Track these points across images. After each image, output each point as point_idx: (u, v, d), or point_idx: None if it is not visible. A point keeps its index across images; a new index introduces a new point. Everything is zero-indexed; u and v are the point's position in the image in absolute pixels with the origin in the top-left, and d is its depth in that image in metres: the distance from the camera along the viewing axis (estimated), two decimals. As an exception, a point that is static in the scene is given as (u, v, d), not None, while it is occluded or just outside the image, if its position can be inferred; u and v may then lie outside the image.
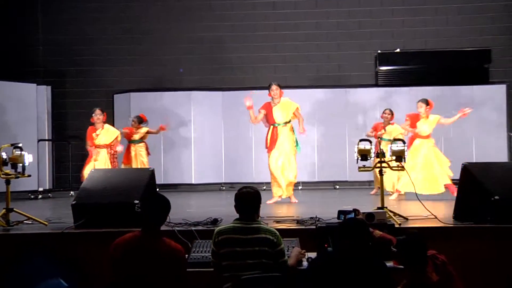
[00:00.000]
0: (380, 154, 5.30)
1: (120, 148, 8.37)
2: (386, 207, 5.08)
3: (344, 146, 10.25)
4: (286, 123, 7.34)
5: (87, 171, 7.72)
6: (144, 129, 8.86)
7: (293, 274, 3.63)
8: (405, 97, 9.89)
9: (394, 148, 5.32)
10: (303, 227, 4.75)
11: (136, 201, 4.81)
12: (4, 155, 5.25)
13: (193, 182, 10.43)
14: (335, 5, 11.06)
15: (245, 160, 10.31)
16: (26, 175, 5.38)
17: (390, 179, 7.92)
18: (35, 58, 11.09)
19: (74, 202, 5.10)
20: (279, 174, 7.27)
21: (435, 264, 3.44)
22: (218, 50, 11.12)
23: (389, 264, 3.67)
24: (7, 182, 5.27)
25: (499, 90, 10.26)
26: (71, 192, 9.40)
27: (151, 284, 3.31)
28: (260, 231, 3.59)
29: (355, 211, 4.38)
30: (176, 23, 11.17)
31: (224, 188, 10.51)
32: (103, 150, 8.05)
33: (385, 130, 8.53)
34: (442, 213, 5.30)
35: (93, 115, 8.08)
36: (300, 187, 9.89)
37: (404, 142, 5.45)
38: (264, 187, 9.08)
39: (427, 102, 7.65)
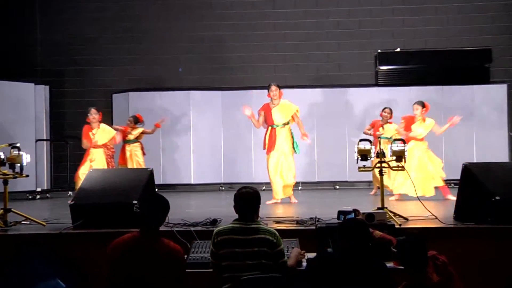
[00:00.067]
0: (380, 154, 5.28)
1: (119, 139, 8.28)
2: (386, 208, 5.07)
3: (344, 146, 10.24)
4: (284, 124, 7.32)
5: (82, 171, 7.72)
6: (139, 130, 8.84)
7: (292, 275, 3.61)
8: (405, 97, 9.86)
9: (394, 148, 5.31)
10: (302, 227, 4.73)
11: (135, 202, 4.79)
12: (2, 155, 5.23)
13: (192, 182, 10.41)
14: (335, 4, 11.05)
15: (244, 160, 10.29)
16: (24, 175, 5.37)
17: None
18: (33, 58, 11.08)
19: (72, 202, 5.09)
20: (276, 177, 7.27)
21: (436, 264, 3.44)
22: (218, 49, 11.11)
23: (389, 264, 3.67)
24: (5, 182, 5.24)
25: (500, 90, 10.24)
26: (69, 192, 9.37)
27: (150, 285, 3.29)
28: (260, 232, 3.58)
29: (355, 211, 4.37)
30: (175, 22, 11.15)
31: (223, 188, 10.49)
32: (100, 150, 7.98)
33: (383, 128, 8.51)
34: (442, 214, 5.28)
35: (88, 114, 8.02)
36: (300, 187, 9.87)
37: (404, 142, 5.43)
38: (264, 188, 9.06)
39: (423, 105, 7.64)
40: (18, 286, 4.42)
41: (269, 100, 7.45)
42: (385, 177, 5.45)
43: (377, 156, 5.34)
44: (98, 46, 11.11)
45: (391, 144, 5.57)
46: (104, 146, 8.01)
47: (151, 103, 10.39)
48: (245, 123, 10.00)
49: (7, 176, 5.25)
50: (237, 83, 10.92)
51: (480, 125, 10.13)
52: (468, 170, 5.10)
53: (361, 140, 5.40)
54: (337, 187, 10.34)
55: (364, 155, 5.27)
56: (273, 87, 7.32)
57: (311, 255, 3.82)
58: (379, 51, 10.63)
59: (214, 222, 4.92)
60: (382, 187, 5.36)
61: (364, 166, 5.34)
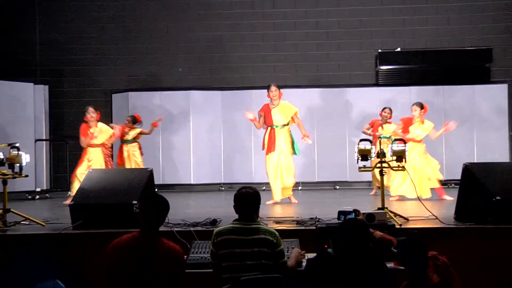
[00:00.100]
0: (381, 154, 5.27)
1: (117, 131, 8.22)
2: (387, 208, 5.06)
3: (344, 146, 10.22)
4: (284, 125, 7.31)
5: (80, 171, 7.69)
6: (136, 130, 8.82)
7: (292, 275, 3.60)
8: (406, 97, 9.85)
9: (395, 148, 5.30)
10: (303, 227, 4.73)
11: (135, 202, 4.78)
12: (1, 155, 5.23)
13: (191, 182, 10.39)
14: (335, 4, 11.04)
15: (244, 160, 10.28)
16: (23, 175, 5.36)
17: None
18: (33, 57, 11.06)
19: (72, 203, 5.07)
20: (275, 179, 7.26)
21: (436, 265, 3.43)
22: (217, 49, 11.09)
23: (390, 265, 3.66)
24: (4, 182, 5.23)
25: (500, 90, 10.23)
26: (69, 193, 9.33)
27: (150, 285, 3.28)
28: (260, 232, 3.57)
29: (356, 211, 4.35)
30: (175, 22, 11.14)
31: (223, 188, 10.48)
32: (97, 149, 7.93)
33: (382, 128, 8.50)
34: (443, 214, 5.27)
35: (86, 113, 7.95)
36: (300, 187, 9.86)
37: (404, 142, 5.42)
38: (264, 188, 9.04)
39: (421, 106, 7.64)
40: (17, 287, 4.41)
41: (268, 101, 7.44)
42: (384, 177, 5.44)
43: (377, 156, 5.33)
44: (97, 46, 11.09)
45: (391, 144, 5.56)
46: (102, 145, 7.96)
47: (151, 103, 10.38)
48: (245, 123, 9.99)
49: (6, 176, 5.23)
50: (237, 83, 10.91)
51: (481, 125, 10.12)
52: (469, 170, 5.09)
53: (361, 140, 5.39)
54: (337, 187, 10.33)
55: (364, 155, 5.26)
56: (273, 88, 7.31)
57: (311, 255, 3.80)
58: (380, 51, 10.62)
59: (214, 222, 4.91)
60: (382, 187, 5.35)
61: (364, 166, 5.34)
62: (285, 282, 3.49)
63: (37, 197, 9.44)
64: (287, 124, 7.37)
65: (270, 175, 7.31)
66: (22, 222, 5.20)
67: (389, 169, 5.40)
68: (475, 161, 8.70)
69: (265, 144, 7.37)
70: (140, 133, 8.85)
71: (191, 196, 9.43)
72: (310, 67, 11.01)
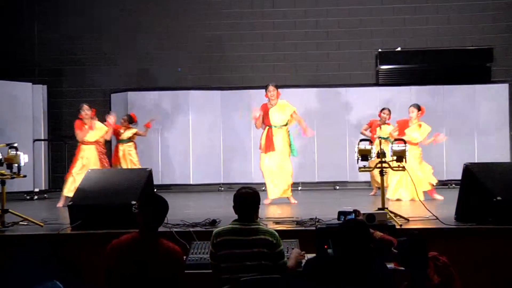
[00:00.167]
0: (381, 155, 5.25)
1: (112, 120, 8.12)
2: (387, 208, 5.05)
3: (344, 146, 10.20)
4: (282, 126, 7.30)
5: (75, 171, 7.65)
6: (132, 130, 8.79)
7: (292, 276, 3.58)
8: (406, 97, 9.82)
9: (395, 148, 5.29)
10: (302, 228, 4.73)
11: (133, 202, 4.76)
12: (-1, 155, 5.20)
13: (191, 182, 10.37)
14: (335, 3, 11.01)
15: (244, 160, 10.25)
16: (21, 175, 5.35)
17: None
18: (31, 57, 11.02)
19: (70, 203, 5.07)
20: (269, 177, 7.27)
21: (437, 265, 3.43)
22: (217, 49, 11.07)
23: (390, 265, 3.65)
24: (2, 182, 5.21)
25: (501, 89, 10.21)
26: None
27: (148, 286, 3.27)
28: (259, 233, 3.56)
29: (356, 212, 4.34)
30: (174, 21, 11.11)
31: (222, 188, 10.46)
32: (91, 146, 7.88)
33: (380, 128, 8.48)
34: (443, 214, 5.25)
35: (80, 110, 7.87)
36: (299, 188, 9.85)
37: (405, 142, 5.41)
38: (263, 188, 8.98)
39: (419, 108, 7.63)
40: (15, 288, 4.40)
41: (266, 101, 7.43)
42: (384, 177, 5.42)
43: (378, 156, 5.32)
44: (96, 45, 11.07)
45: (391, 144, 5.55)
46: (96, 142, 7.89)
47: (150, 103, 10.36)
48: (244, 123, 9.99)
49: (4, 177, 5.22)
50: (236, 82, 10.89)
51: (481, 125, 10.10)
52: (469, 170, 5.07)
53: (361, 140, 5.38)
54: (337, 187, 10.30)
55: (364, 155, 5.25)
56: (271, 87, 7.30)
57: (311, 256, 3.79)
58: (380, 50, 10.59)
59: (213, 222, 4.90)
60: (382, 187, 5.35)
61: (364, 166, 5.33)
62: (284, 282, 3.47)
63: (36, 197, 9.41)
64: (286, 125, 7.36)
65: (265, 174, 7.32)
66: (21, 223, 5.18)
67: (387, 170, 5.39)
68: (476, 161, 8.68)
69: (262, 144, 7.36)
70: (136, 134, 8.82)
71: (190, 197, 9.41)
72: (310, 66, 10.99)
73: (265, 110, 7.37)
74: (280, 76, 10.50)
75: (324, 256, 3.60)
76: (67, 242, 4.68)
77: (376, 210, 4.82)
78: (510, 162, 9.54)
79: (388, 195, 7.50)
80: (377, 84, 10.68)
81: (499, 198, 4.62)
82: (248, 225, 3.58)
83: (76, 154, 7.88)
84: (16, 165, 5.26)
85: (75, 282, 4.48)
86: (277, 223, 5.05)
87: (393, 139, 7.27)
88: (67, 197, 7.37)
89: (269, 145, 7.26)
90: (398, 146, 5.31)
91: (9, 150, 5.32)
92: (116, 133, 8.68)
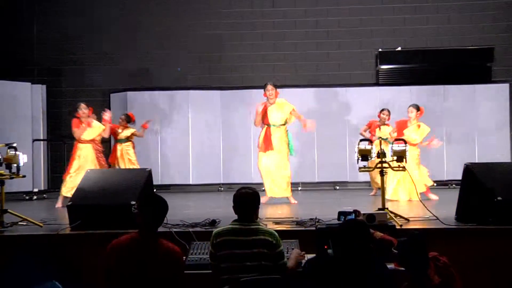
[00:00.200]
0: (381, 155, 5.24)
1: (107, 116, 8.04)
2: (387, 208, 5.03)
3: (344, 146, 10.19)
4: (281, 125, 7.29)
5: (73, 169, 7.61)
6: (131, 130, 8.77)
7: (292, 276, 3.57)
8: (406, 96, 9.80)
9: (395, 148, 5.27)
10: (302, 228, 4.72)
11: (133, 202, 4.74)
12: (-2, 155, 5.19)
13: (190, 182, 10.35)
14: (335, 3, 11.00)
15: (243, 160, 10.23)
16: (20, 175, 5.33)
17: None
18: (30, 56, 11.00)
19: (69, 203, 5.06)
20: (266, 176, 7.27)
21: (437, 265, 3.43)
22: (217, 48, 11.05)
23: (390, 266, 3.64)
24: (1, 182, 5.19)
25: (502, 89, 10.20)
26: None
27: (148, 287, 3.27)
28: (259, 233, 3.55)
29: (356, 212, 4.33)
30: (174, 21, 11.09)
31: (222, 189, 10.44)
32: (88, 145, 7.84)
33: (379, 129, 8.46)
34: (443, 215, 5.23)
35: (78, 109, 7.80)
36: (299, 188, 9.83)
37: (405, 142, 5.40)
38: (263, 188, 8.99)
39: (418, 108, 7.62)
40: (14, 288, 4.39)
41: (265, 100, 7.42)
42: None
43: (378, 156, 5.30)
44: (96, 45, 11.05)
45: (391, 145, 5.53)
46: (92, 141, 7.85)
47: (149, 102, 10.35)
48: (244, 123, 9.98)
49: (3, 177, 5.20)
50: (236, 82, 10.87)
51: (482, 125, 10.08)
52: (470, 170, 5.06)
53: (361, 140, 5.38)
54: (337, 187, 10.29)
55: (364, 155, 5.23)
56: (269, 87, 7.30)
57: (311, 256, 3.78)
58: (380, 50, 10.58)
59: (213, 223, 4.89)
60: (383, 187, 5.34)
61: (364, 167, 5.31)
62: (284, 283, 3.46)
63: (35, 197, 9.39)
64: (284, 124, 7.35)
65: (263, 173, 7.32)
66: (20, 223, 5.16)
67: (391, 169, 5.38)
68: (476, 161, 8.67)
69: (260, 143, 7.35)
70: (133, 134, 8.80)
71: (190, 197, 9.40)
72: (310, 66, 10.98)
73: (264, 109, 7.36)
74: (280, 75, 10.48)
75: (324, 256, 3.59)
76: (67, 243, 4.66)
77: (376, 210, 4.80)
78: (510, 162, 9.51)
79: (388, 195, 7.49)
80: (377, 84, 10.67)
81: (499, 198, 4.61)
82: (248, 225, 3.57)
83: (73, 153, 7.82)
84: (15, 165, 5.25)
85: (74, 282, 4.47)
86: (277, 223, 5.04)
87: (392, 140, 7.27)
88: (65, 197, 7.35)
89: (267, 144, 7.25)
90: (399, 146, 5.29)
91: (8, 150, 5.30)
92: (114, 133, 8.65)
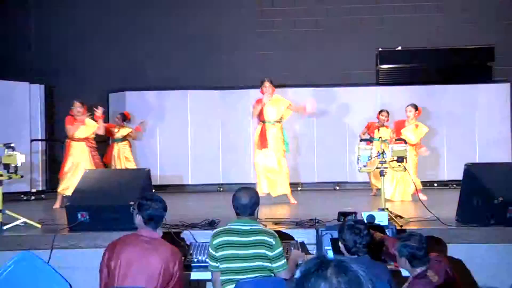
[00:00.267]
0: (381, 155, 5.22)
1: (99, 112, 7.86)
2: (387, 209, 5.01)
3: (344, 146, 10.15)
4: (276, 122, 7.27)
5: (67, 167, 7.56)
6: (127, 129, 8.74)
7: (291, 277, 3.56)
8: (407, 96, 9.76)
9: (395, 149, 5.25)
10: (302, 229, 4.67)
11: (132, 203, 4.71)
12: (-4, 156, 5.16)
13: (189, 183, 10.32)
14: (335, 2, 10.97)
15: (243, 160, 10.19)
16: (18, 176, 5.28)
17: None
18: (28, 56, 10.96)
19: (68, 204, 5.02)
20: (262, 173, 7.24)
21: (437, 266, 3.39)
22: (216, 48, 11.02)
23: (390, 266, 3.62)
24: (-1, 183, 5.16)
25: (503, 89, 10.17)
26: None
27: (147, 286, 3.23)
28: (259, 233, 3.54)
29: (356, 213, 4.31)
30: (172, 20, 11.06)
31: (221, 189, 10.40)
32: (82, 143, 7.72)
33: (378, 130, 8.43)
34: (444, 215, 5.20)
35: (72, 107, 7.67)
36: (299, 188, 9.79)
37: (405, 142, 5.38)
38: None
39: (416, 107, 7.58)
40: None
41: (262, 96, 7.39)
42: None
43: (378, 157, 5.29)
44: (94, 45, 11.00)
45: (393, 144, 5.51)
46: (86, 139, 7.77)
47: (148, 102, 10.32)
48: (243, 123, 9.95)
49: (1, 177, 5.16)
50: (236, 82, 10.82)
51: (483, 125, 10.04)
52: (470, 171, 5.04)
53: (361, 140, 5.36)
54: (337, 187, 10.26)
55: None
56: (267, 83, 7.26)
57: (311, 256, 3.76)
58: (380, 49, 10.54)
59: (212, 223, 4.87)
60: (383, 188, 5.32)
61: (364, 167, 5.29)
62: (283, 283, 3.44)
63: (33, 198, 9.34)
64: (280, 121, 7.32)
65: (258, 170, 7.29)
66: (18, 224, 5.13)
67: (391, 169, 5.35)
68: (477, 161, 8.64)
69: (255, 140, 7.34)
70: (129, 134, 8.77)
71: (189, 197, 9.38)
72: (310, 66, 10.94)
73: (262, 104, 7.34)
74: (279, 75, 10.44)
75: (324, 256, 3.56)
76: (65, 243, 4.63)
77: (377, 211, 4.78)
78: (511, 162, 9.50)
79: (388, 196, 7.47)
80: (377, 83, 10.64)
81: (500, 198, 4.58)
82: (248, 225, 3.56)
83: (66, 151, 7.71)
84: (13, 165, 5.20)
85: (73, 283, 4.46)
86: (276, 223, 5.02)
87: (392, 143, 7.25)
88: (63, 197, 7.32)
89: (263, 141, 7.22)
90: (399, 146, 5.27)
91: (6, 150, 5.27)
92: (110, 132, 8.60)
